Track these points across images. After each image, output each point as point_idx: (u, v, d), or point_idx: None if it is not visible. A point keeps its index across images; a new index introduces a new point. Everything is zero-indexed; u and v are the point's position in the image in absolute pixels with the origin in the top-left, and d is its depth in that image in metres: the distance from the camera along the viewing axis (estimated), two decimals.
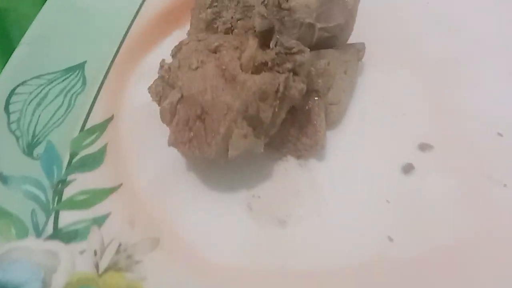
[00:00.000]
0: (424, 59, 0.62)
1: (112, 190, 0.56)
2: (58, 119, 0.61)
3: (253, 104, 0.46)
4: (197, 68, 0.49)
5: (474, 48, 0.63)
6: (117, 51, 0.68)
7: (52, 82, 0.63)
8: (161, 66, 0.54)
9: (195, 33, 0.61)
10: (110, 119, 0.62)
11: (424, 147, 0.55)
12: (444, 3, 0.69)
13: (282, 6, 0.51)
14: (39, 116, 0.60)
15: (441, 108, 0.58)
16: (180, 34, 0.66)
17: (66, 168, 0.57)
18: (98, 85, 0.64)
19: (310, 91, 0.52)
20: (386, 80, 0.60)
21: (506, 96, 0.58)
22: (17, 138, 0.58)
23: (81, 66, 0.65)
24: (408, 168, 0.54)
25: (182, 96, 0.50)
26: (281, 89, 0.46)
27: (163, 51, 0.66)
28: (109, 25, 0.70)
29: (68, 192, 0.55)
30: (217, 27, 0.56)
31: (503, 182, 0.52)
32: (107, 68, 0.66)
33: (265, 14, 0.49)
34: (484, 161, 0.53)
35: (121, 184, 0.56)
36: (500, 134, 0.56)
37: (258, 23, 0.48)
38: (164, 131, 0.52)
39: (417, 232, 0.50)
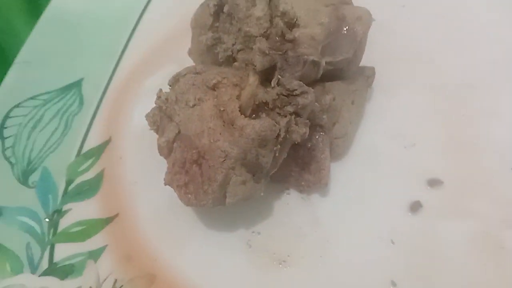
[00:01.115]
0: (439, 84, 0.59)
1: (108, 221, 0.54)
2: (54, 143, 0.59)
3: (252, 151, 0.43)
4: (194, 105, 0.47)
5: (492, 70, 0.60)
6: (115, 69, 0.65)
7: (48, 102, 0.61)
8: (158, 96, 0.52)
9: (196, 56, 0.58)
10: (107, 142, 0.60)
11: (433, 183, 0.53)
12: (459, 18, 0.64)
13: (286, 37, 0.48)
14: (34, 141, 0.58)
15: (454, 139, 0.55)
16: (181, 55, 0.63)
17: (62, 196, 0.56)
18: (96, 105, 0.62)
19: (314, 126, 0.50)
20: (397, 107, 0.57)
21: None
22: (12, 166, 0.56)
23: (78, 84, 0.63)
24: (416, 206, 0.51)
25: (179, 132, 0.48)
26: (282, 134, 0.44)
27: (163, 73, 0.64)
28: (106, 41, 0.67)
29: (63, 223, 0.54)
30: (218, 53, 0.54)
31: None
32: (104, 86, 0.64)
33: (266, 51, 0.45)
34: (498, 201, 0.50)
35: (117, 215, 0.55)
36: None
37: (259, 62, 0.45)
38: (163, 159, 0.50)
39: (422, 278, 0.47)
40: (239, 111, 0.44)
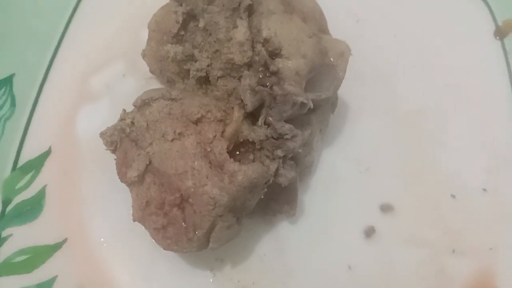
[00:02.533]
0: (393, 109, 0.61)
1: (56, 247, 0.50)
2: None
3: (241, 197, 0.42)
4: (173, 139, 0.43)
5: (442, 97, 0.63)
6: (51, 62, 0.57)
7: None
8: (122, 119, 0.47)
9: (152, 61, 0.53)
10: (47, 153, 0.53)
11: (385, 208, 0.56)
12: (415, 41, 0.66)
13: (270, 69, 0.45)
14: None
15: (405, 165, 0.58)
16: (129, 51, 0.57)
17: (0, 220, 0.49)
18: (30, 107, 0.54)
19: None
20: (356, 133, 0.59)
21: (468, 156, 0.59)
22: None
23: (8, 81, 0.54)
24: (369, 232, 0.55)
25: (150, 162, 0.44)
26: (271, 180, 0.43)
27: (110, 71, 0.58)
28: (40, 28, 0.57)
29: (4, 252, 0.48)
30: (187, 69, 0.50)
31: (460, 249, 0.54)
32: (39, 83, 0.55)
33: (256, 88, 0.43)
34: (442, 228, 0.55)
35: (66, 239, 0.50)
36: (453, 196, 0.58)
37: (250, 102, 0.43)
38: (114, 174, 0.47)
39: None
40: (227, 152, 0.42)
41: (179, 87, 0.51)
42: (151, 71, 0.56)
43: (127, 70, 0.58)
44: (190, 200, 0.41)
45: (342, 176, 0.57)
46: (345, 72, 0.49)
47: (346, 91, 0.59)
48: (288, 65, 0.46)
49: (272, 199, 0.50)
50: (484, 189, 0.58)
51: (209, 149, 0.42)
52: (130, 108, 0.49)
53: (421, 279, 0.53)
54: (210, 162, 0.42)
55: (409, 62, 0.65)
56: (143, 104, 0.46)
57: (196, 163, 0.42)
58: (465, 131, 0.61)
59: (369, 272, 0.52)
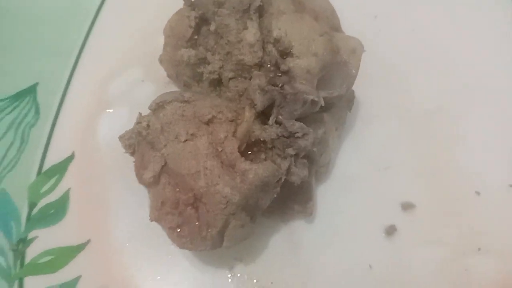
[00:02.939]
0: (412, 108, 0.60)
1: (79, 248, 0.51)
2: (11, 161, 0.53)
3: (253, 196, 0.42)
4: (186, 140, 0.44)
5: (461, 95, 0.61)
6: (73, 71, 0.59)
7: (0, 112, 0.54)
8: (138, 122, 0.48)
9: (169, 66, 0.54)
10: (71, 158, 0.55)
11: (406, 206, 0.55)
12: (433, 40, 0.65)
13: (281, 68, 0.46)
14: None
15: (425, 163, 0.57)
16: (147, 57, 0.58)
17: (26, 222, 0.51)
18: (54, 114, 0.56)
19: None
20: (373, 131, 0.58)
21: (490, 153, 0.58)
22: None
23: (32, 90, 0.57)
24: (391, 230, 0.54)
25: (165, 163, 0.45)
26: (283, 178, 0.43)
27: (128, 77, 0.60)
28: (62, 38, 0.60)
29: (30, 253, 0.50)
30: (201, 72, 0.50)
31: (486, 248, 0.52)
32: (62, 91, 0.58)
33: (266, 88, 0.43)
34: (463, 226, 0.54)
35: (89, 241, 0.51)
36: (477, 193, 0.56)
37: (260, 101, 0.43)
38: (135, 177, 0.48)
39: None
40: (239, 151, 0.43)
41: (195, 90, 0.52)
42: (168, 76, 0.58)
43: (146, 76, 0.60)
44: (203, 199, 0.42)
45: (361, 175, 0.56)
46: (358, 69, 0.49)
47: (363, 89, 0.59)
48: (299, 64, 0.46)
49: (289, 199, 0.51)
50: (511, 185, 0.56)
51: (220, 149, 0.43)
52: (147, 112, 0.51)
53: (444, 279, 0.51)
54: (222, 162, 0.42)
55: (427, 59, 0.64)
56: (157, 107, 0.47)
57: (208, 163, 0.42)
58: (486, 128, 0.60)
59: (390, 271, 0.52)
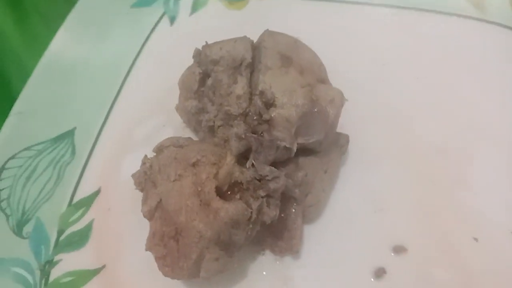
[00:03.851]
0: (412, 148, 0.62)
1: (95, 272, 0.58)
2: (47, 193, 0.63)
3: (225, 232, 0.47)
4: (174, 180, 0.50)
5: (464, 136, 0.62)
6: (106, 118, 0.68)
7: (41, 153, 0.65)
8: (143, 163, 0.55)
9: (182, 114, 0.62)
10: (97, 193, 0.64)
11: (398, 249, 0.56)
12: (435, 79, 0.67)
13: (263, 117, 0.51)
14: (28, 191, 0.62)
15: (421, 206, 0.58)
16: (170, 106, 0.66)
17: (54, 247, 0.60)
18: (87, 155, 0.66)
19: (287, 198, 0.53)
20: (370, 173, 0.61)
21: (491, 197, 0.58)
22: (7, 217, 0.60)
23: (70, 134, 0.67)
24: (380, 273, 0.55)
25: (160, 200, 0.52)
26: (253, 216, 0.48)
27: (152, 123, 0.68)
28: (98, 90, 0.70)
29: (54, 274, 0.58)
30: (201, 120, 0.57)
31: None
32: (96, 135, 0.67)
33: (243, 135, 0.49)
34: (459, 272, 0.54)
35: (104, 266, 0.59)
36: (475, 239, 0.56)
37: (234, 147, 0.49)
38: None
39: None
40: (215, 191, 0.48)
41: (200, 136, 0.59)
42: (184, 122, 0.65)
43: (167, 122, 0.68)
44: (183, 233, 0.48)
45: (354, 215, 0.58)
46: (337, 117, 0.53)
47: (363, 129, 0.62)
48: (280, 113, 0.52)
49: (275, 236, 0.55)
50: None
51: (200, 189, 0.48)
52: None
53: None
54: (200, 200, 0.48)
55: (430, 98, 0.66)
56: (158, 150, 0.54)
57: (189, 200, 0.48)
58: (490, 169, 0.60)
59: None
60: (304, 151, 0.54)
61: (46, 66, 0.70)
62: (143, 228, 0.57)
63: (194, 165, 0.50)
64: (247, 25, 0.77)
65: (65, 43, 0.73)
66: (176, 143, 0.53)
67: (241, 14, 0.80)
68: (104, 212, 0.62)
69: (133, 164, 0.65)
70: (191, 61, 0.61)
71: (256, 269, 0.56)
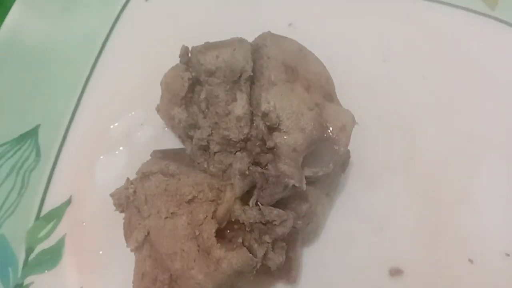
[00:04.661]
0: (414, 161, 0.58)
1: None
2: (11, 205, 0.55)
3: (227, 283, 0.43)
4: (166, 218, 0.45)
5: (468, 146, 0.59)
6: (74, 112, 0.60)
7: (2, 157, 0.56)
8: (126, 188, 0.49)
9: (165, 117, 0.55)
10: (68, 202, 0.57)
11: (394, 272, 0.55)
12: (440, 86, 0.62)
13: (267, 144, 0.45)
14: None
15: (421, 225, 0.56)
16: (148, 100, 0.58)
17: (22, 268, 0.54)
18: (54, 157, 0.58)
19: None
20: (369, 191, 0.57)
21: (490, 217, 0.56)
22: None
23: (34, 133, 0.58)
24: None
25: (148, 233, 0.47)
26: (259, 265, 0.43)
27: (128, 119, 0.60)
28: (64, 79, 0.60)
29: None
30: (191, 136, 0.51)
31: None
32: (63, 134, 0.59)
33: (247, 171, 0.43)
34: None
35: None
36: (470, 261, 0.55)
37: (239, 187, 0.43)
38: None
39: None
40: (215, 235, 0.43)
41: (188, 148, 0.52)
42: (166, 125, 0.58)
43: (145, 120, 0.60)
44: (178, 281, 0.43)
45: (353, 237, 0.55)
46: (346, 146, 0.48)
47: (364, 140, 0.58)
48: (285, 140, 0.46)
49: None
50: (507, 254, 0.55)
51: (197, 233, 0.43)
52: (146, 157, 0.52)
53: None
54: (198, 245, 0.43)
55: (435, 107, 0.61)
56: (143, 176, 0.48)
57: (185, 245, 0.43)
58: (492, 186, 0.58)
59: None
60: (308, 178, 0.49)
61: (0, 50, 0.59)
62: (122, 244, 0.52)
63: (189, 202, 0.44)
64: (232, 2, 0.68)
65: (22, 20, 0.61)
66: (165, 171, 0.47)
67: None
68: (77, 225, 0.56)
69: (108, 168, 0.59)
70: (172, 46, 0.53)
71: None
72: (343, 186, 0.57)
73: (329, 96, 0.50)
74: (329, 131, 0.47)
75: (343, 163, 0.54)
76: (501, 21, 0.63)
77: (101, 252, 0.55)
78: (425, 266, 0.55)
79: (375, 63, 0.64)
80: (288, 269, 0.50)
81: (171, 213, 0.45)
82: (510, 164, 0.58)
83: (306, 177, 0.47)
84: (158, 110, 0.56)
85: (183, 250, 0.43)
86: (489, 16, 0.64)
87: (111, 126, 0.60)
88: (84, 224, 0.56)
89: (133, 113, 0.61)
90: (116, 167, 0.58)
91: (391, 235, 0.56)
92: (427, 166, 0.58)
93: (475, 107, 0.61)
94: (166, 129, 0.59)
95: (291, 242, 0.50)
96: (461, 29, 0.64)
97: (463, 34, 0.64)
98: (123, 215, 0.52)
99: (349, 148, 0.55)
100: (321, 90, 0.49)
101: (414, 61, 0.63)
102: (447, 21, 0.65)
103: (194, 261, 0.43)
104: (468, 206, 0.57)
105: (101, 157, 0.59)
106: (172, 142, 0.58)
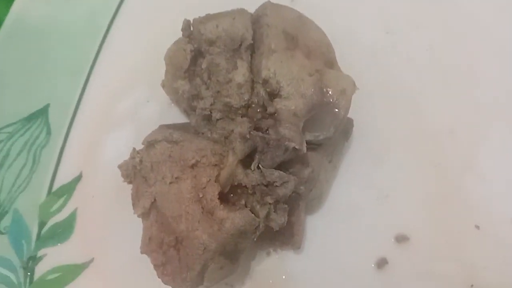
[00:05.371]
0: (418, 130, 0.58)
1: (83, 266, 0.55)
2: (23, 181, 0.57)
3: (231, 243, 0.44)
4: (171, 183, 0.46)
5: (473, 115, 0.59)
6: (83, 91, 0.61)
7: (13, 135, 0.58)
8: (132, 157, 0.50)
9: (169, 91, 0.56)
10: (78, 178, 0.58)
11: (400, 238, 0.55)
12: (453, 56, 0.62)
13: (268, 110, 0.46)
14: (2, 181, 0.56)
15: (426, 192, 0.56)
16: (153, 78, 0.59)
17: (36, 241, 0.55)
18: (64, 135, 0.60)
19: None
20: (374, 158, 0.57)
21: (496, 184, 0.56)
22: None
23: (44, 111, 0.60)
24: (382, 263, 0.54)
25: (155, 200, 0.48)
26: (261, 225, 0.44)
27: (135, 97, 0.61)
28: (71, 59, 0.62)
29: (39, 271, 0.54)
30: (194, 105, 0.51)
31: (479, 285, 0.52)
32: (73, 112, 0.60)
33: (247, 135, 0.44)
34: (461, 262, 0.53)
35: (93, 259, 0.55)
36: (477, 227, 0.55)
37: (240, 150, 0.44)
38: None
39: None
40: (219, 198, 0.44)
41: (192, 121, 0.53)
42: (171, 100, 0.59)
43: (151, 96, 0.61)
44: (184, 242, 0.44)
45: (358, 204, 0.56)
46: (347, 110, 0.48)
47: (368, 109, 0.58)
48: (286, 105, 0.47)
49: (278, 232, 0.52)
50: None
51: (201, 195, 0.44)
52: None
53: None
54: (202, 207, 0.44)
55: (441, 77, 0.61)
56: (148, 145, 0.49)
57: (189, 207, 0.44)
58: (499, 154, 0.58)
59: None
60: (310, 143, 0.50)
61: (9, 31, 0.61)
62: (131, 215, 0.52)
63: (193, 166, 0.45)
64: None
65: (30, 2, 0.63)
66: (169, 138, 0.48)
67: None
68: (87, 199, 0.58)
69: (116, 144, 0.60)
70: (176, 23, 0.54)
71: (255, 262, 0.54)
72: (347, 154, 0.57)
73: (330, 62, 0.50)
74: (329, 95, 0.47)
75: (347, 131, 0.55)
76: None
77: (111, 224, 0.56)
78: (432, 232, 0.55)
79: (378, 34, 0.64)
80: (291, 235, 0.51)
81: (176, 178, 0.46)
82: None
83: (307, 142, 0.47)
84: (163, 85, 0.57)
85: (188, 212, 0.44)
86: None
87: (118, 104, 0.61)
88: (94, 197, 0.58)
89: (139, 90, 0.62)
90: (124, 143, 0.59)
91: (397, 203, 0.56)
92: (433, 134, 0.58)
93: (480, 75, 0.61)
94: (172, 105, 0.60)
95: (294, 207, 0.50)
96: None
97: (468, 1, 0.63)
98: (131, 187, 0.53)
99: (352, 117, 0.55)
100: (322, 57, 0.50)
101: (418, 32, 0.63)
102: None
103: (198, 222, 0.44)
104: (475, 173, 0.57)
105: (109, 133, 0.60)
106: (178, 117, 0.59)
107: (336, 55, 0.54)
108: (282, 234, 0.52)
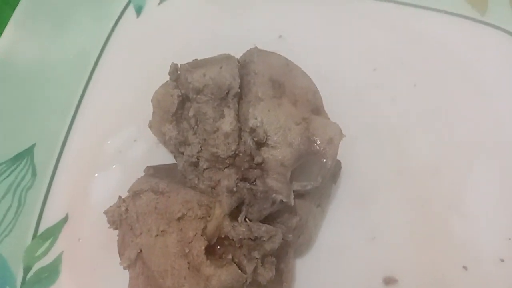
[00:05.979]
0: (405, 168, 0.59)
1: None
2: (8, 225, 0.56)
3: None
4: (157, 236, 0.45)
5: (458, 153, 0.59)
6: (69, 131, 0.61)
7: None
8: (118, 206, 0.50)
9: (157, 133, 0.55)
10: (64, 220, 0.58)
11: (388, 280, 0.55)
12: (438, 94, 0.62)
13: (255, 160, 0.46)
14: None
15: (413, 232, 0.56)
16: (141, 116, 0.59)
17: (21, 286, 0.54)
18: (50, 176, 0.59)
19: None
20: (362, 197, 0.57)
21: (483, 224, 0.56)
22: None
23: (29, 152, 0.59)
24: None
25: (140, 251, 0.47)
26: (248, 281, 0.44)
27: (122, 135, 0.61)
28: (58, 98, 0.61)
29: None
30: (182, 152, 0.51)
31: None
32: (58, 152, 0.60)
33: (234, 188, 0.44)
34: None
35: None
36: (465, 267, 0.55)
37: (227, 204, 0.44)
38: None
39: None
40: (205, 251, 0.44)
41: (179, 164, 0.53)
42: (158, 140, 0.59)
43: (138, 135, 0.61)
44: None
45: (346, 246, 0.55)
46: (334, 159, 0.48)
47: (354, 151, 0.58)
48: (273, 155, 0.46)
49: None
50: (502, 260, 0.55)
51: (187, 250, 0.44)
52: (140, 173, 0.53)
53: None
54: (188, 263, 0.44)
55: (425, 115, 0.61)
56: (134, 194, 0.49)
57: (176, 262, 0.44)
58: (484, 192, 0.58)
59: None
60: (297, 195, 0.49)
61: None
62: (118, 260, 0.52)
63: (179, 219, 0.45)
64: (223, 16, 0.69)
65: (15, 40, 0.62)
66: (155, 188, 0.47)
67: (216, 4, 0.70)
68: (74, 242, 0.57)
69: (103, 185, 0.60)
70: (162, 60, 0.54)
71: None
72: (334, 196, 0.57)
73: (317, 109, 0.50)
74: (316, 144, 0.47)
75: (334, 174, 0.54)
76: (491, 26, 0.63)
77: (97, 269, 0.56)
78: (420, 274, 0.55)
79: (365, 72, 0.64)
80: (280, 282, 0.51)
81: (161, 231, 0.45)
82: (500, 170, 0.58)
83: (295, 191, 0.47)
84: (150, 126, 0.57)
85: (174, 267, 0.44)
86: (479, 22, 0.64)
87: (105, 144, 0.61)
88: (80, 241, 0.57)
89: (126, 130, 0.61)
90: (111, 183, 0.59)
91: (384, 244, 0.56)
92: (418, 174, 0.58)
93: (465, 114, 0.61)
94: (159, 144, 0.60)
95: (283, 254, 0.50)
96: (451, 35, 0.64)
97: (453, 40, 0.64)
98: (118, 231, 0.53)
99: (340, 159, 0.55)
100: (308, 104, 0.50)
101: (405, 69, 0.64)
102: (436, 27, 0.65)
103: (185, 278, 0.43)
104: (461, 213, 0.57)
105: (96, 174, 0.60)
106: (165, 157, 0.59)
107: (322, 96, 0.54)
108: (272, 282, 0.51)
